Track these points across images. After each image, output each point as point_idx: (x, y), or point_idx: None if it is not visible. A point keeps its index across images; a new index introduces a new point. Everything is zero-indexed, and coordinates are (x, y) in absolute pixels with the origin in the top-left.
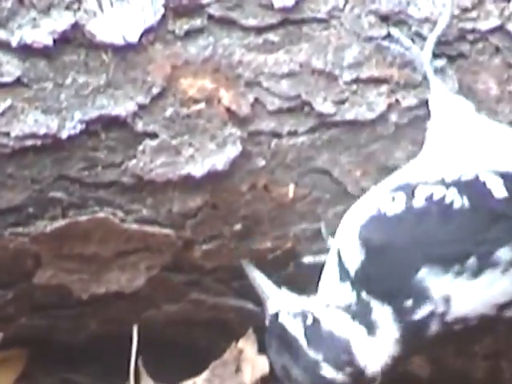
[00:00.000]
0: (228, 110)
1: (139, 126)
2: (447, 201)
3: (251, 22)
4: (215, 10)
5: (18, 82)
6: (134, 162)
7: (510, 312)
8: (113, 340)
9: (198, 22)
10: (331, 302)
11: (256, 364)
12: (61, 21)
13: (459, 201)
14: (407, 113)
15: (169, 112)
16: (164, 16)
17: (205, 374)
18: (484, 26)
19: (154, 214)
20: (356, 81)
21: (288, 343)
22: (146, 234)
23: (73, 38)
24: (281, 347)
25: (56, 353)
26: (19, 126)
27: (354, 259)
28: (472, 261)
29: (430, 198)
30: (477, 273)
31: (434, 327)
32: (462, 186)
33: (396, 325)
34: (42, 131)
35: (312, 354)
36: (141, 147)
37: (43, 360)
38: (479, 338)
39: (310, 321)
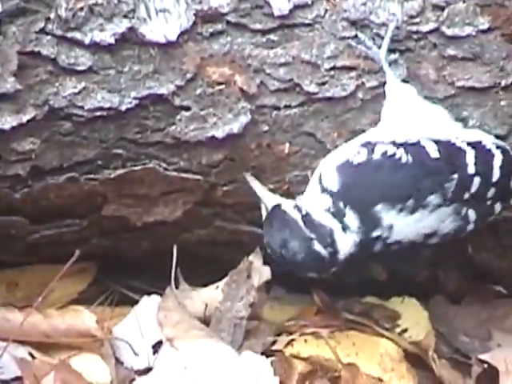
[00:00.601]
0: (241, 89)
1: (177, 101)
2: (397, 157)
3: (258, 26)
4: (232, 18)
5: (89, 69)
6: (173, 127)
7: (433, 240)
8: (159, 256)
9: (219, 26)
10: (315, 205)
11: (262, 272)
12: (120, 25)
13: (405, 157)
14: (370, 91)
15: (198, 91)
16: (195, 22)
17: (225, 280)
18: (425, 28)
19: (188, 164)
20: (333, 68)
21: (288, 223)
22: (183, 179)
23: (129, 38)
24: (282, 226)
25: (118, 265)
26: (91, 102)
27: (332, 186)
28: (410, 202)
29: (384, 154)
30: (412, 211)
31: (379, 245)
32: (408, 147)
33: (359, 234)
34: (107, 105)
35: (307, 232)
36: (178, 117)
37: (109, 270)
38: (411, 256)
39: (303, 212)
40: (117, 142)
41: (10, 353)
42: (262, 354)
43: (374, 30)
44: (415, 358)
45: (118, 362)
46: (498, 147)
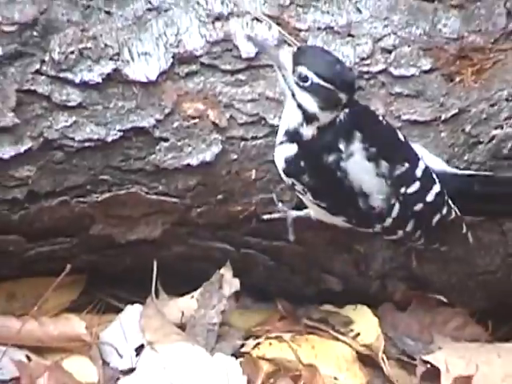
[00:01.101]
0: (213, 123)
1: (157, 133)
2: (376, 113)
3: (228, 67)
4: (205, 60)
5: (79, 105)
6: (153, 156)
7: (363, 204)
8: (141, 269)
9: (194, 67)
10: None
11: (232, 283)
12: (107, 66)
13: (382, 118)
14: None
15: (175, 124)
16: (172, 63)
17: (199, 290)
18: (375, 69)
19: (166, 189)
20: None
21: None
22: (162, 201)
23: (114, 78)
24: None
25: (105, 278)
26: (80, 134)
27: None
28: (373, 149)
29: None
30: (369, 158)
31: (333, 158)
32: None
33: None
34: (95, 137)
35: None
36: (158, 147)
37: (97, 282)
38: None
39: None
40: (103, 169)
41: (8, 356)
42: (232, 355)
43: None
44: (367, 359)
45: (105, 363)
46: (440, 181)
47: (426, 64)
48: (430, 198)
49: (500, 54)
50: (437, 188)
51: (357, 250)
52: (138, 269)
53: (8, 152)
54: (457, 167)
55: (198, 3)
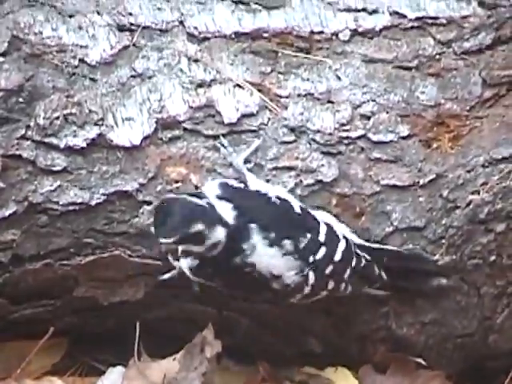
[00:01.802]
0: (196, 186)
1: (140, 197)
2: (268, 195)
3: (210, 132)
4: (188, 125)
5: (64, 170)
6: (137, 219)
7: (276, 284)
8: (123, 331)
9: (176, 132)
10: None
11: (213, 345)
12: (91, 132)
13: (277, 201)
14: (307, 188)
15: (158, 188)
16: (156, 128)
17: (181, 352)
18: (354, 134)
19: (149, 252)
20: (275, 168)
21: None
22: (145, 264)
23: (99, 142)
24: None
25: (87, 340)
26: (65, 198)
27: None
28: (273, 235)
29: (258, 191)
30: (271, 244)
31: (239, 258)
32: (278, 197)
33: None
34: (79, 201)
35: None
36: (141, 210)
37: (79, 344)
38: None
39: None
40: (87, 232)
41: None
42: None
43: (310, 136)
44: None
45: None
46: (344, 237)
47: (403, 130)
48: (337, 257)
49: (476, 121)
50: (342, 245)
51: (336, 312)
52: (121, 330)
53: None
54: (370, 240)
55: (181, 70)
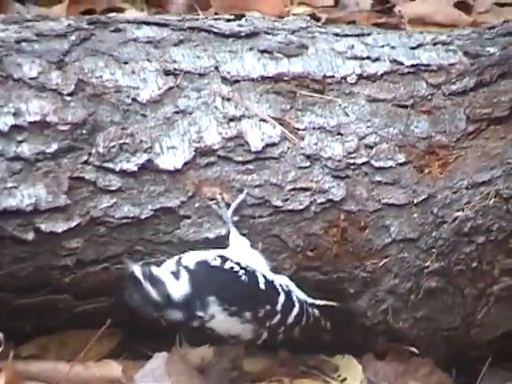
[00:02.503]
0: (227, 204)
1: (181, 212)
2: (239, 274)
3: (239, 158)
4: (221, 152)
5: (119, 189)
6: (178, 231)
7: (232, 341)
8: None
9: (212, 159)
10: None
11: None
12: (141, 158)
13: (244, 277)
14: (320, 206)
15: (196, 205)
16: (194, 155)
17: None
18: (359, 161)
19: None
20: (293, 189)
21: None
22: None
23: (147, 167)
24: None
25: (138, 330)
26: (119, 213)
27: (189, 265)
28: (234, 308)
29: (232, 268)
30: (231, 315)
31: (197, 323)
32: (247, 271)
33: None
34: (131, 215)
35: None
36: (182, 223)
37: (131, 334)
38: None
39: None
40: (137, 241)
41: None
42: None
43: (323, 162)
44: None
45: None
46: (299, 301)
47: (400, 158)
48: (290, 320)
49: (461, 150)
50: (296, 310)
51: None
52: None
53: (61, 227)
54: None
55: (215, 107)
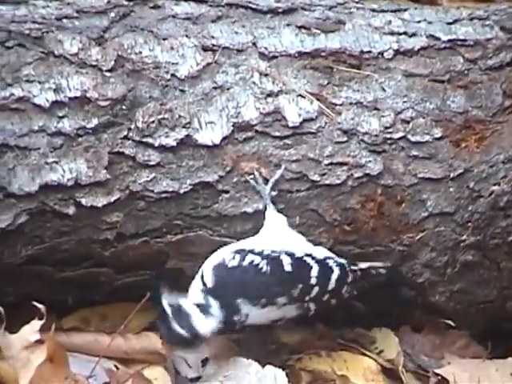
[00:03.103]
0: (265, 178)
1: (219, 186)
2: (259, 266)
3: (277, 133)
4: (259, 128)
5: (158, 164)
6: (216, 205)
7: (280, 322)
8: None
9: (249, 134)
10: (189, 299)
11: None
12: (180, 133)
13: (265, 268)
14: (357, 180)
15: (234, 179)
16: (232, 131)
17: None
18: (396, 136)
19: (227, 231)
20: (330, 164)
21: (164, 313)
22: (223, 242)
23: (186, 142)
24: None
25: None
26: (158, 187)
27: (209, 282)
28: (263, 300)
29: (251, 263)
30: (264, 306)
31: (238, 325)
32: (270, 260)
33: (221, 317)
34: (170, 189)
35: (172, 320)
36: (220, 198)
37: None
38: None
39: (176, 306)
40: (176, 215)
41: (100, 365)
42: (279, 367)
43: (360, 137)
44: (389, 372)
45: (177, 372)
46: (337, 264)
47: (437, 132)
48: (331, 286)
49: (497, 125)
50: (335, 275)
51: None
52: None
53: (101, 201)
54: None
55: (253, 83)
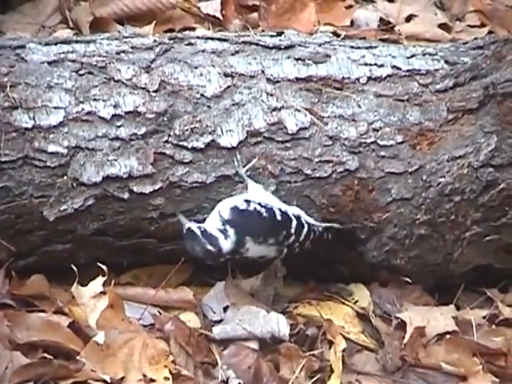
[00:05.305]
0: (270, 172)
1: (236, 178)
2: (261, 212)
3: (279, 138)
4: (266, 134)
5: (190, 162)
6: (234, 192)
7: (263, 259)
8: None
9: (259, 138)
10: (211, 225)
11: (281, 270)
12: (207, 138)
13: (265, 214)
14: (340, 173)
15: (248, 173)
16: (246, 136)
17: (262, 274)
18: (368, 141)
19: None
20: (320, 162)
21: (194, 235)
22: None
23: (211, 145)
24: (191, 237)
25: (205, 265)
26: (190, 178)
27: (226, 216)
28: (260, 238)
29: (255, 209)
30: (259, 244)
31: (239, 256)
32: (267, 209)
33: (233, 244)
34: (200, 180)
35: (203, 239)
36: (237, 187)
37: (199, 268)
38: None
39: (202, 229)
40: (204, 200)
41: (148, 311)
42: (281, 313)
43: (342, 141)
44: (362, 316)
45: (205, 316)
46: (306, 222)
47: (399, 138)
48: (301, 237)
49: (443, 133)
50: (305, 230)
51: (358, 250)
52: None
53: (148, 189)
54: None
55: (262, 101)
